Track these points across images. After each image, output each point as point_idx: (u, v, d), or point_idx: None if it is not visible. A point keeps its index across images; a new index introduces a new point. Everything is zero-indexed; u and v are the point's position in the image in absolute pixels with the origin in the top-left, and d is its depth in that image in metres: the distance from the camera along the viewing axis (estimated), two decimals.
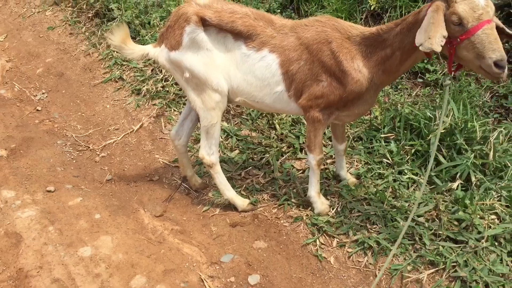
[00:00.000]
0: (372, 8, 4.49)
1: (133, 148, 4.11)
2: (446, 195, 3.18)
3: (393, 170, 3.39)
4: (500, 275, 2.67)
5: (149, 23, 5.12)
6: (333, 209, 3.22)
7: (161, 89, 4.56)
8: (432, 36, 2.30)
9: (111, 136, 4.25)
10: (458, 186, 3.16)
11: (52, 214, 3.23)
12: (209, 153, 3.12)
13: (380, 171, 3.42)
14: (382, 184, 3.31)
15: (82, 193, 3.50)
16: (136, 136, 4.23)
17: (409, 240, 2.94)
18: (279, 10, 4.98)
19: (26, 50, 5.63)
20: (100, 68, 5.12)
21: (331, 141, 3.63)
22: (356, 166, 3.56)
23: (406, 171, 3.35)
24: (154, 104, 4.48)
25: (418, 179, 3.29)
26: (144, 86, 4.63)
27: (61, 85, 5.03)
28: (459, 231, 2.90)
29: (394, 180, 3.32)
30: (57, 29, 5.87)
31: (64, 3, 6.19)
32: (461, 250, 2.81)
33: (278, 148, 3.76)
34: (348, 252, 2.97)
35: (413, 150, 3.44)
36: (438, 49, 2.29)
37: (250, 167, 3.67)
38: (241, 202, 3.30)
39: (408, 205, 3.14)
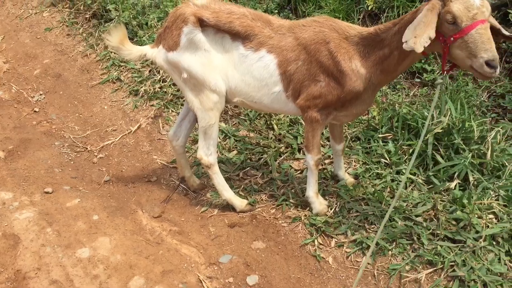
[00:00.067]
0: (369, 8, 4.50)
1: (131, 149, 4.11)
2: (444, 194, 3.18)
3: (391, 170, 3.39)
4: (498, 274, 2.67)
5: (146, 24, 5.12)
6: (331, 209, 3.22)
7: (159, 90, 4.56)
8: (418, 36, 2.32)
9: (109, 137, 4.25)
10: (456, 185, 3.17)
11: (50, 216, 3.23)
12: (207, 153, 3.12)
13: (378, 171, 3.42)
14: (380, 184, 3.32)
15: (80, 194, 3.50)
16: (134, 137, 4.22)
17: (407, 239, 2.94)
18: (276, 11, 4.98)
19: (24, 52, 5.62)
20: (98, 69, 5.12)
21: (329, 141, 3.63)
22: (354, 166, 3.57)
23: (404, 171, 3.36)
24: (152, 105, 4.47)
25: (416, 179, 3.30)
26: (142, 87, 4.63)
27: (58, 86, 5.02)
28: (457, 230, 2.90)
29: (392, 180, 3.33)
30: (54, 30, 5.86)
31: (61, 4, 6.18)
32: (459, 250, 2.81)
33: (276, 149, 3.76)
34: (346, 252, 2.97)
35: (411, 150, 3.44)
36: (419, 49, 2.31)
37: (248, 168, 3.67)
38: (239, 202, 3.30)
39: (406, 205, 3.14)
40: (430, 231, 2.94)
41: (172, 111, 4.37)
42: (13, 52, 5.65)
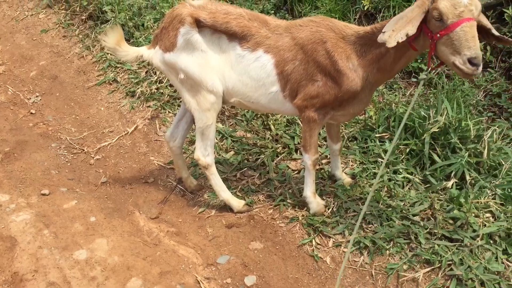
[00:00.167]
0: (365, 9, 4.51)
1: (128, 150, 4.10)
2: (441, 194, 3.19)
3: (388, 170, 3.39)
4: (496, 273, 2.68)
5: (143, 25, 5.11)
6: (328, 209, 3.22)
7: (156, 91, 4.55)
8: (396, 30, 2.37)
9: (106, 139, 4.24)
10: (452, 184, 3.18)
11: (47, 218, 3.22)
12: (204, 154, 3.12)
13: (375, 170, 3.43)
14: (377, 183, 3.32)
15: (77, 196, 3.49)
16: (131, 138, 4.22)
17: (404, 239, 2.95)
18: (273, 11, 4.98)
19: (20, 53, 5.61)
20: (94, 71, 5.11)
21: (326, 141, 3.63)
22: (351, 166, 3.57)
23: (401, 170, 3.36)
24: (149, 106, 4.47)
25: (413, 178, 3.30)
26: (138, 88, 4.62)
27: (55, 88, 5.01)
28: (455, 229, 2.91)
29: (389, 180, 3.33)
30: (50, 32, 5.85)
31: (57, 6, 6.17)
32: (456, 249, 2.82)
33: (273, 149, 3.76)
34: (344, 252, 2.97)
35: (407, 150, 3.45)
36: (391, 44, 2.36)
37: (246, 168, 3.67)
38: (237, 203, 3.30)
39: (404, 204, 3.14)
40: (428, 230, 2.95)
41: (169, 112, 4.37)
42: (9, 54, 5.64)
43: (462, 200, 3.00)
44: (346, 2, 4.69)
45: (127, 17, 5.18)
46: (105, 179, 3.78)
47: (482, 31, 2.46)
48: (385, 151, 3.52)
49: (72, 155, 4.06)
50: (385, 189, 3.27)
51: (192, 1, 2.89)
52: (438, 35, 2.36)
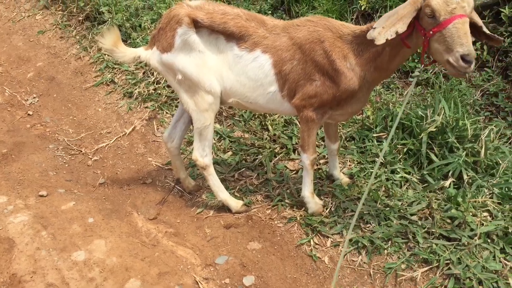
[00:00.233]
0: (362, 8, 4.52)
1: (125, 151, 4.10)
2: (439, 193, 3.20)
3: (386, 169, 3.40)
4: (493, 272, 2.69)
5: (140, 25, 5.11)
6: (326, 209, 3.23)
7: (153, 91, 4.55)
8: (386, 27, 2.38)
9: (104, 140, 4.23)
10: (450, 184, 3.18)
11: (45, 219, 3.21)
12: (202, 155, 3.12)
13: (373, 170, 3.43)
14: (375, 183, 3.33)
15: (75, 197, 3.48)
16: (129, 139, 4.21)
17: (402, 238, 2.95)
18: (270, 11, 4.99)
19: (17, 55, 5.60)
20: (92, 72, 5.10)
21: (324, 141, 3.64)
22: (349, 165, 3.58)
23: (398, 170, 3.37)
24: (146, 107, 4.46)
25: (411, 178, 3.31)
26: (136, 89, 4.62)
27: (52, 89, 5.00)
28: (452, 228, 2.91)
29: (387, 179, 3.34)
30: (47, 33, 5.84)
31: (54, 7, 6.16)
32: (454, 248, 2.82)
33: (271, 149, 3.76)
34: (342, 251, 2.97)
35: (405, 149, 3.46)
36: (380, 41, 2.38)
37: (243, 169, 3.67)
38: (235, 203, 3.30)
39: (401, 203, 3.15)
40: (425, 229, 2.95)
41: (166, 112, 4.37)
42: (6, 55, 5.62)
43: (459, 199, 3.01)
44: (343, 2, 4.70)
45: (124, 18, 5.18)
46: (103, 180, 3.77)
47: (473, 28, 2.48)
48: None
49: (69, 156, 4.06)
50: (383, 188, 3.28)
51: (189, 1, 2.89)
52: (431, 32, 2.37)
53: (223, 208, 3.35)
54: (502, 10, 3.98)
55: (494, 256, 2.77)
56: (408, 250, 2.89)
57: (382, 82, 4.23)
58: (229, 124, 4.14)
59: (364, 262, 2.90)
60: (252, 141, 3.88)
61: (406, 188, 3.29)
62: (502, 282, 2.63)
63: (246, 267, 2.93)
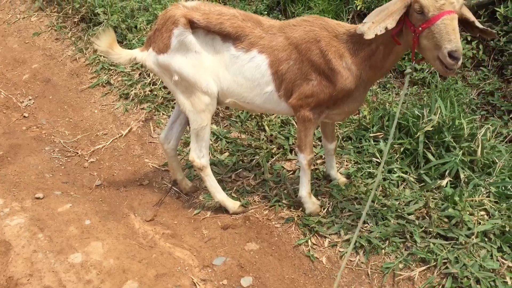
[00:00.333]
0: (358, 9, 4.52)
1: (122, 153, 4.09)
2: (436, 192, 3.20)
3: (383, 169, 3.40)
4: (491, 270, 2.69)
5: (135, 27, 5.10)
6: (324, 209, 3.23)
7: (149, 93, 4.54)
8: (375, 22, 2.40)
9: (100, 141, 4.22)
10: (447, 183, 3.19)
11: (42, 221, 3.20)
12: (199, 156, 3.12)
13: (370, 170, 3.44)
14: (372, 183, 3.33)
15: (71, 199, 3.47)
16: (125, 141, 4.20)
17: (400, 238, 2.95)
18: (266, 12, 4.99)
19: (12, 57, 5.58)
20: (87, 73, 5.09)
21: (320, 141, 3.64)
22: (346, 165, 3.58)
23: (395, 169, 3.37)
24: (143, 108, 4.46)
25: (408, 177, 3.31)
26: (132, 90, 4.61)
27: (48, 91, 4.99)
28: (449, 228, 2.92)
29: (384, 179, 3.34)
30: (42, 34, 5.83)
31: (49, 9, 6.15)
32: (451, 247, 2.83)
33: (268, 150, 3.76)
34: (340, 251, 2.97)
35: (402, 149, 3.46)
36: (369, 36, 2.40)
37: (240, 169, 3.67)
38: (232, 204, 3.30)
39: (399, 203, 3.15)
40: (423, 229, 2.96)
41: (163, 114, 4.36)
42: (1, 57, 5.61)
43: (456, 198, 3.01)
44: (339, 2, 4.70)
45: (120, 19, 5.17)
46: (100, 182, 3.76)
47: (466, 24, 2.48)
48: (380, 151, 3.53)
49: (66, 158, 4.04)
50: (380, 188, 3.28)
51: (185, 2, 2.88)
52: (420, 28, 2.38)
53: (221, 209, 3.35)
54: (497, 9, 3.99)
55: (491, 255, 2.78)
56: (405, 250, 2.89)
57: (378, 82, 4.24)
58: (226, 125, 4.14)
59: (362, 262, 2.90)
60: (249, 142, 3.87)
61: (403, 187, 3.29)
62: (500, 280, 2.64)
63: (244, 268, 2.93)
